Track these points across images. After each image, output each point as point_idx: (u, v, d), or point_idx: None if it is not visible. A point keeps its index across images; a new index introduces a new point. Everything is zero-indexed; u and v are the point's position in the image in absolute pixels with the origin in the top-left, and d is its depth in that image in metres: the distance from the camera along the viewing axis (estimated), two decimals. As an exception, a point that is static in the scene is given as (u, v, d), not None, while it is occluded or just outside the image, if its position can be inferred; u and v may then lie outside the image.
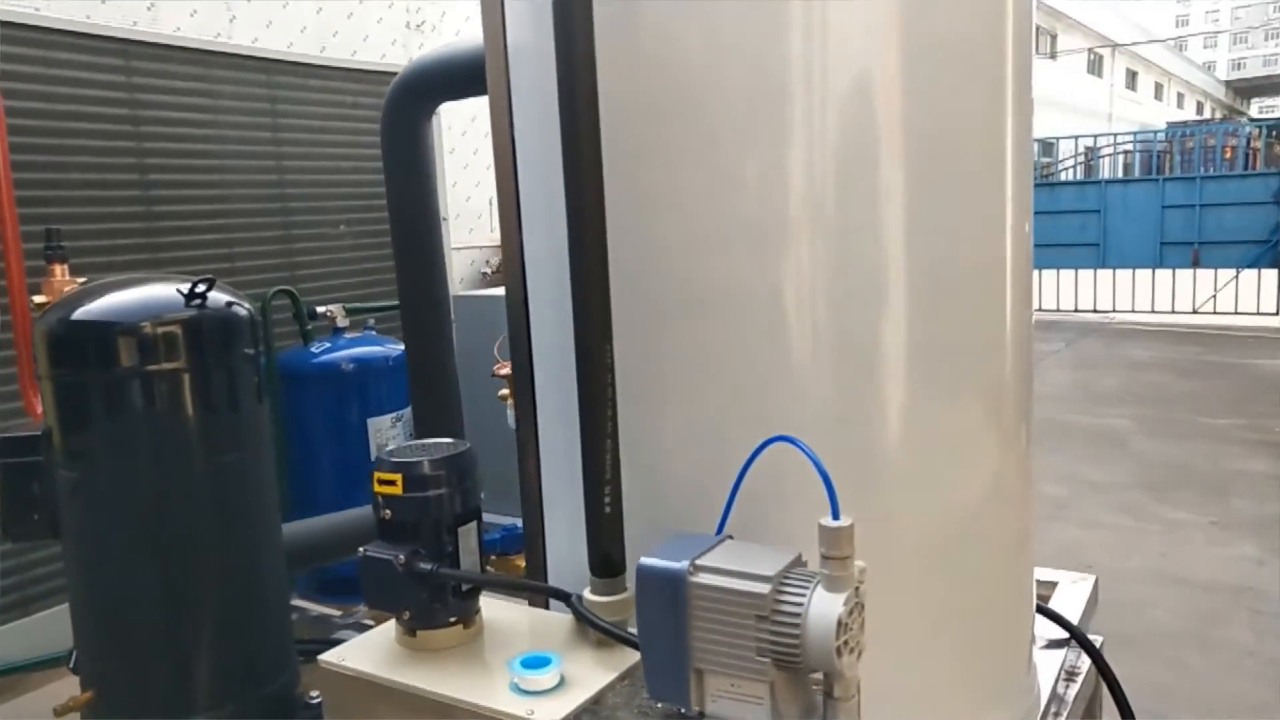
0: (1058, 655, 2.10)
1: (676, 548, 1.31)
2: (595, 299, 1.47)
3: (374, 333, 2.62)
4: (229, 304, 1.73)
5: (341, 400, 2.54)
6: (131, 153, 2.39)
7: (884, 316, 1.58)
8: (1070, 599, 2.35)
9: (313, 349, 2.63)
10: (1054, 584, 2.45)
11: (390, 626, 1.58)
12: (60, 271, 1.86)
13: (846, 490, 1.56)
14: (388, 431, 2.50)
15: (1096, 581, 2.46)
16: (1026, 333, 1.83)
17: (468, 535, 1.52)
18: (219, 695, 1.72)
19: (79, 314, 1.60)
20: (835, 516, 1.20)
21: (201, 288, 1.62)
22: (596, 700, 1.36)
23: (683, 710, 1.28)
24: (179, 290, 1.61)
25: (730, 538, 1.34)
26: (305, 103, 2.77)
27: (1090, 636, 2.32)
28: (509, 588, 1.59)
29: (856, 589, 1.21)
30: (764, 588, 1.20)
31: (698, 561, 1.26)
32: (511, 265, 1.72)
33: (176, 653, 1.67)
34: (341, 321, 2.62)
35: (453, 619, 1.52)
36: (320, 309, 2.62)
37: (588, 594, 1.52)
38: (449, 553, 1.50)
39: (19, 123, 2.16)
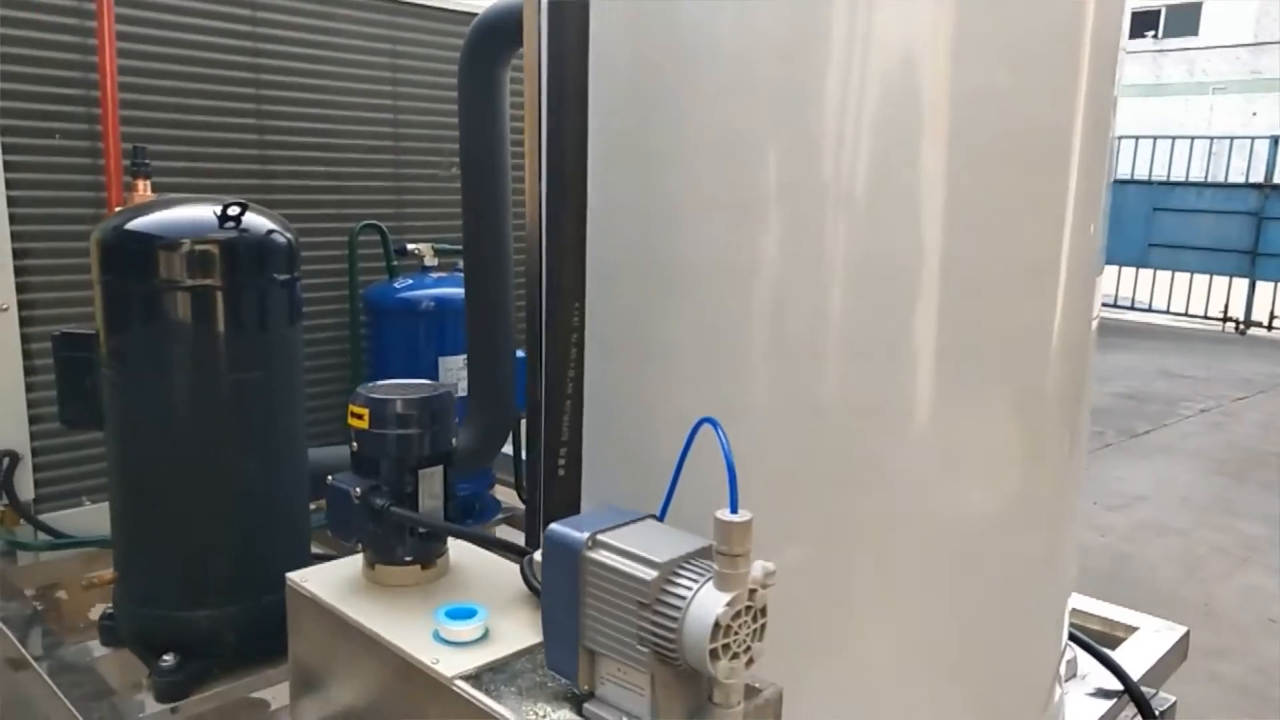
0: (1100, 707, 1.89)
1: (593, 519, 1.27)
2: (569, 255, 1.43)
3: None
4: (269, 231, 1.81)
5: (417, 336, 2.61)
6: (250, 84, 2.54)
7: (898, 307, 1.45)
8: (1143, 649, 2.10)
9: (396, 284, 2.71)
10: (1134, 629, 2.20)
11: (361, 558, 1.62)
12: (142, 187, 2.01)
13: (844, 487, 1.47)
14: (458, 371, 2.56)
15: (1187, 634, 2.18)
16: (1080, 340, 1.64)
17: (430, 479, 1.53)
18: (229, 593, 1.82)
19: (129, 225, 1.72)
20: (733, 510, 1.11)
21: (234, 211, 1.71)
22: (507, 661, 1.34)
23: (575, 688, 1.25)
24: (224, 212, 1.70)
25: (653, 517, 1.28)
26: (424, 45, 2.84)
27: (1162, 696, 2.08)
28: (461, 537, 1.59)
29: (752, 592, 1.13)
30: (649, 574, 1.14)
31: (598, 536, 1.20)
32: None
33: (192, 548, 1.79)
34: (430, 260, 2.69)
35: (409, 559, 1.54)
36: (410, 247, 2.70)
37: (538, 556, 1.50)
38: (409, 493, 1.52)
39: (147, 49, 2.34)
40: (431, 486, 1.53)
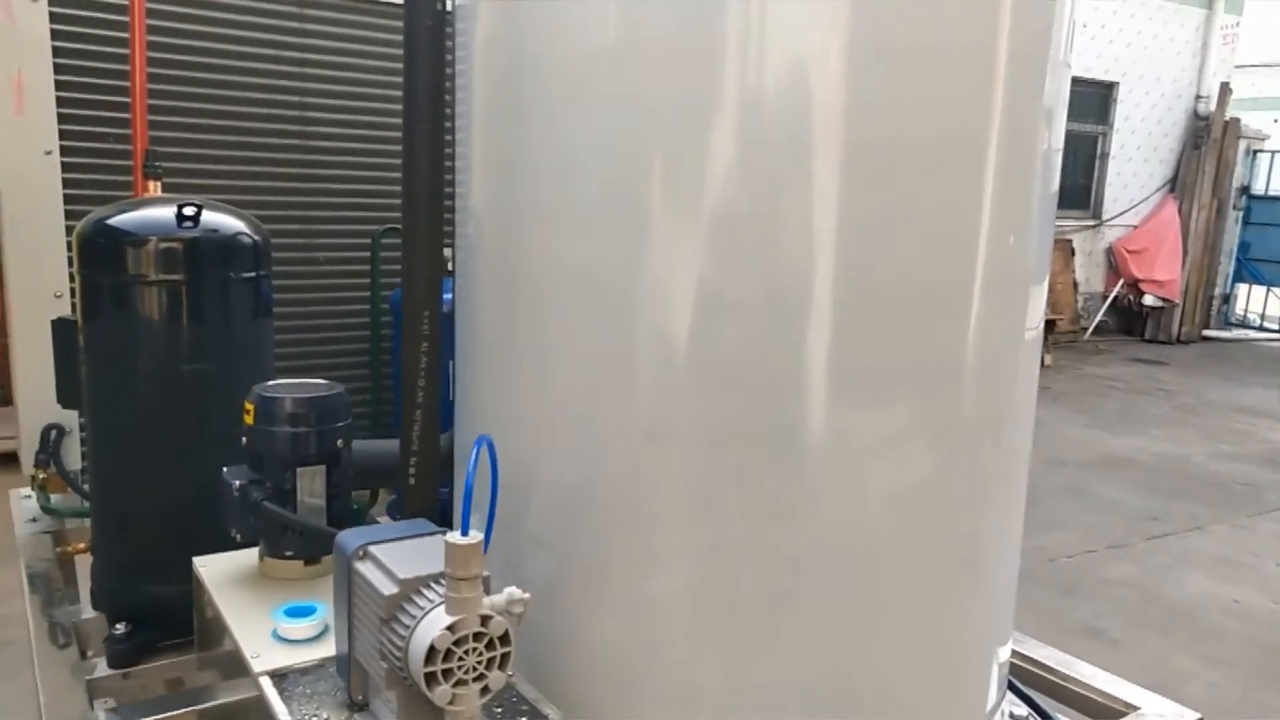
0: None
1: (381, 530, 1.27)
2: (418, 265, 1.43)
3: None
4: (235, 232, 1.91)
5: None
6: (295, 91, 2.68)
7: (784, 328, 1.34)
8: (1135, 733, 1.83)
9: (414, 287, 2.79)
10: (1135, 708, 1.92)
11: (260, 549, 1.68)
12: (152, 188, 2.18)
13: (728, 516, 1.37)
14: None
15: (1201, 725, 1.88)
16: (1004, 358, 1.47)
17: (310, 478, 1.57)
18: (177, 570, 1.89)
19: (106, 222, 1.87)
20: (463, 531, 1.08)
21: (189, 211, 1.82)
22: (324, 663, 1.35)
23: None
24: (180, 212, 1.82)
25: (443, 532, 1.25)
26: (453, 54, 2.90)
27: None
28: (310, 533, 1.58)
29: (485, 619, 1.09)
30: (390, 589, 1.13)
31: (369, 547, 1.20)
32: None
33: (144, 526, 1.91)
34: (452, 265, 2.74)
35: (289, 554, 1.59)
36: (438, 251, 2.76)
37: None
38: (287, 490, 1.56)
39: (196, 58, 2.52)
40: (312, 485, 1.57)
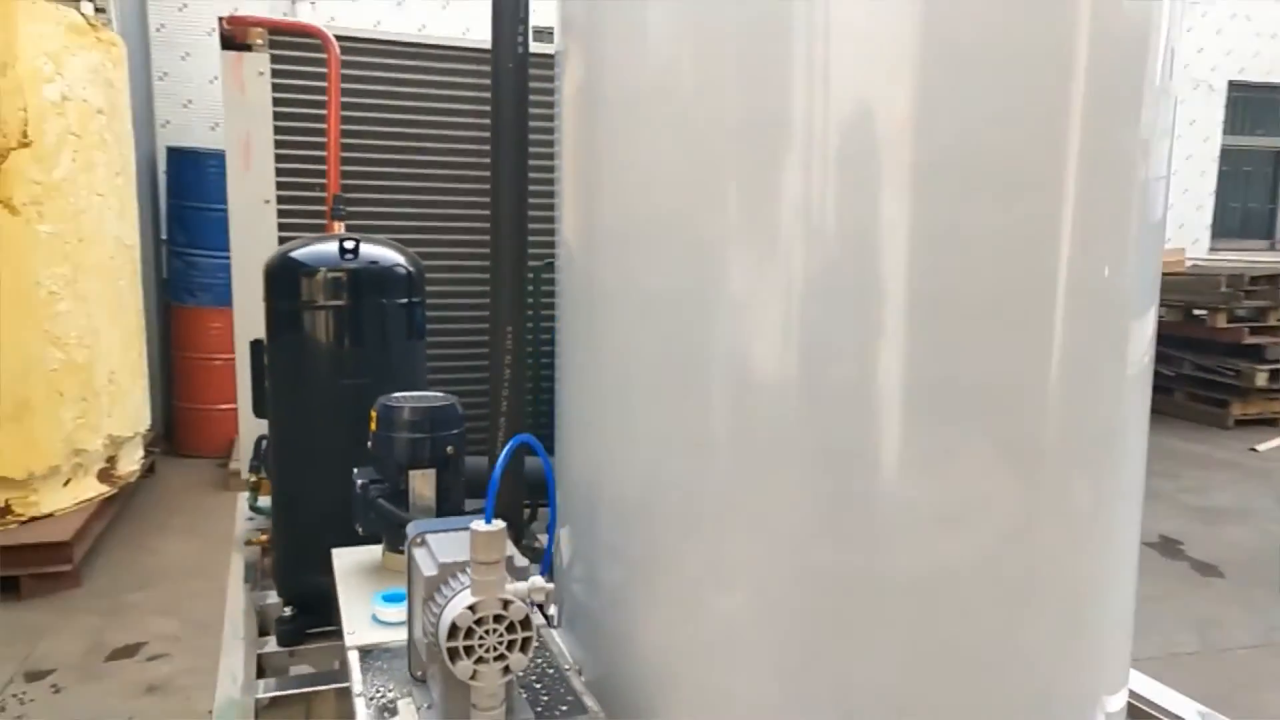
0: None
1: (443, 522, 1.40)
2: (505, 282, 1.57)
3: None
4: (392, 264, 2.15)
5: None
6: (433, 138, 2.92)
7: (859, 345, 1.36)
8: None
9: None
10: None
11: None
12: (336, 228, 2.47)
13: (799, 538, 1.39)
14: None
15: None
16: (1095, 389, 1.40)
17: (422, 480, 1.74)
18: (323, 561, 2.12)
19: (286, 256, 2.16)
20: (487, 520, 1.19)
21: (349, 245, 2.07)
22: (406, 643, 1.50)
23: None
24: (341, 246, 2.08)
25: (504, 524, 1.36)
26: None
27: None
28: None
29: (506, 603, 1.19)
30: (431, 571, 1.25)
31: (426, 535, 1.33)
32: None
33: (309, 525, 2.16)
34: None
35: (400, 548, 1.76)
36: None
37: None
38: (402, 490, 1.74)
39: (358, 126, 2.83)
40: (423, 487, 1.74)
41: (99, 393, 5.27)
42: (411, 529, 1.35)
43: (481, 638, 1.18)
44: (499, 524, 1.19)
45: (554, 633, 1.63)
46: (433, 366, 2.37)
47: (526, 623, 1.20)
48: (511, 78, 1.50)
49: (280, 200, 2.71)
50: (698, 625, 1.42)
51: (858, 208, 1.33)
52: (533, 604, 1.21)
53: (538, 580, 1.22)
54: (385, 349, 2.14)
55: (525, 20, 1.49)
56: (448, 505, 1.78)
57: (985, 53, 1.30)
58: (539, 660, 1.47)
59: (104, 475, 5.40)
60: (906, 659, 1.40)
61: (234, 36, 2.50)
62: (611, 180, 1.46)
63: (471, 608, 1.17)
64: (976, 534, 1.41)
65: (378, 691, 1.35)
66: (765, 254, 1.37)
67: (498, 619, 1.18)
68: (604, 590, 1.51)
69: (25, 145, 4.85)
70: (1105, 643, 1.56)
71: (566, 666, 1.45)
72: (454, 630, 1.17)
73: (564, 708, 1.34)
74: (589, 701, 1.36)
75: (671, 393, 1.41)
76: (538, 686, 1.39)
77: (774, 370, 1.37)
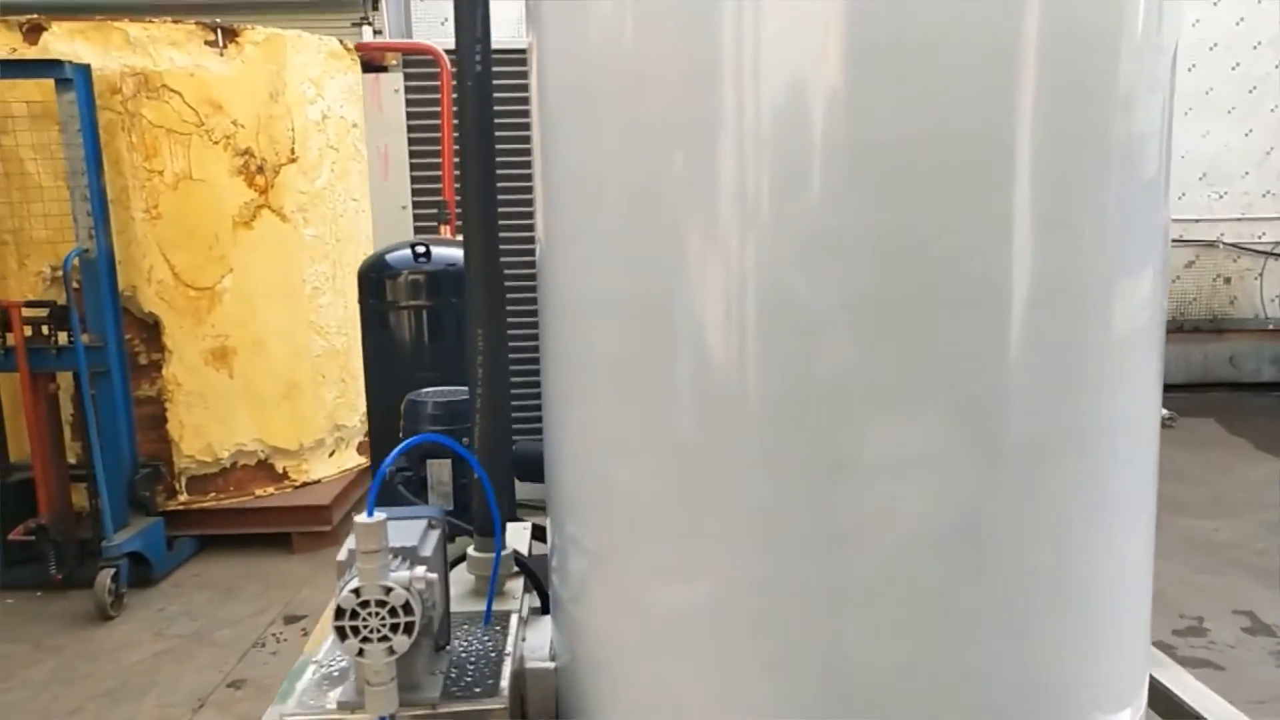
0: None
1: (395, 511, 1.52)
2: (475, 283, 1.66)
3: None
4: (466, 265, 2.31)
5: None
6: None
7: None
8: None
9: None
10: None
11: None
12: (444, 230, 2.66)
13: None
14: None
15: None
16: (1071, 370, 1.32)
17: (438, 469, 1.89)
18: None
19: (374, 259, 2.39)
20: (369, 513, 1.31)
21: (420, 250, 2.25)
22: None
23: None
24: (413, 250, 2.27)
25: (429, 519, 1.48)
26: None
27: None
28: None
29: (388, 589, 1.30)
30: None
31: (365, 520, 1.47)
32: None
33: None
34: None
35: (429, 532, 1.92)
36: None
37: (471, 550, 1.76)
38: (421, 478, 1.90)
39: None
40: (437, 475, 1.89)
41: (355, 375, 5.98)
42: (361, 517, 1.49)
43: (365, 620, 1.29)
44: (380, 516, 1.30)
45: (547, 619, 1.71)
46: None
47: (408, 608, 1.30)
48: (473, 94, 1.59)
49: (415, 205, 2.99)
50: (637, 621, 1.45)
51: (796, 203, 1.29)
52: (415, 591, 1.31)
53: (419, 570, 1.32)
54: (458, 344, 2.31)
55: (484, 40, 1.57)
56: (465, 493, 1.92)
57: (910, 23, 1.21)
58: (488, 641, 1.56)
59: (362, 448, 6.13)
60: (843, 670, 1.35)
61: (371, 59, 2.78)
62: (561, 180, 1.48)
63: (356, 591, 1.29)
64: (930, 540, 1.33)
65: (333, 661, 1.51)
66: (705, 259, 1.35)
67: (380, 604, 1.29)
68: (569, 581, 1.57)
69: (293, 160, 5.59)
70: (1099, 665, 1.41)
71: (507, 651, 1.53)
72: (340, 612, 1.29)
73: (478, 689, 1.43)
74: (504, 684, 1.44)
75: (620, 393, 1.44)
76: (470, 666, 1.49)
77: (716, 373, 1.37)
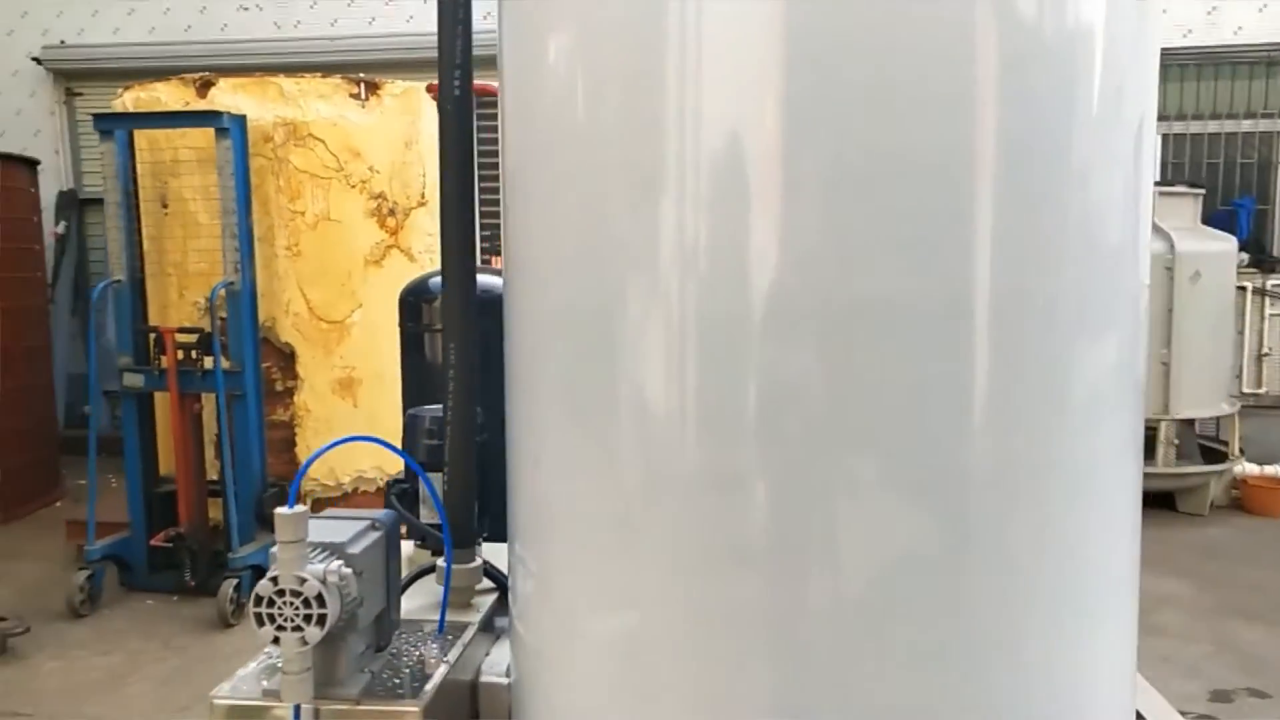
0: None
1: (348, 513, 1.59)
2: (451, 301, 1.72)
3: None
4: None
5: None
6: None
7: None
8: None
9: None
10: None
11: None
12: (496, 261, 2.74)
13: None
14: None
15: None
16: (1039, 402, 1.29)
17: (437, 483, 1.93)
18: None
19: (413, 285, 2.48)
20: (290, 505, 1.37)
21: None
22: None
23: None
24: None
25: (370, 522, 1.52)
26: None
27: None
28: (410, 525, 1.89)
29: (302, 580, 1.35)
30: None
31: (312, 520, 1.53)
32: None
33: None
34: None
35: (415, 543, 1.97)
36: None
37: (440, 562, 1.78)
38: (413, 492, 1.95)
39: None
40: (439, 489, 1.93)
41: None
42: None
43: (281, 609, 1.34)
44: (300, 509, 1.36)
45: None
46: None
47: (321, 599, 1.34)
48: (452, 117, 1.66)
49: (483, 239, 3.12)
50: (575, 645, 1.44)
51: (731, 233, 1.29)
52: (331, 584, 1.35)
53: (335, 564, 1.36)
54: (488, 369, 2.37)
55: (462, 65, 1.64)
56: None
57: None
58: (434, 649, 1.58)
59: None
60: (781, 706, 1.31)
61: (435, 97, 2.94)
62: (521, 206, 1.52)
63: (273, 580, 1.35)
64: (872, 571, 1.29)
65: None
66: (648, 284, 1.35)
67: (294, 593, 1.34)
68: (517, 601, 1.58)
69: (422, 204, 5.92)
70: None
71: (445, 659, 1.55)
72: (257, 599, 1.35)
73: (401, 692, 1.45)
74: (428, 688, 1.46)
75: (560, 413, 1.45)
76: (406, 671, 1.52)
77: (650, 393, 1.36)
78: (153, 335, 5.39)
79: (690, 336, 1.32)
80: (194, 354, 5.31)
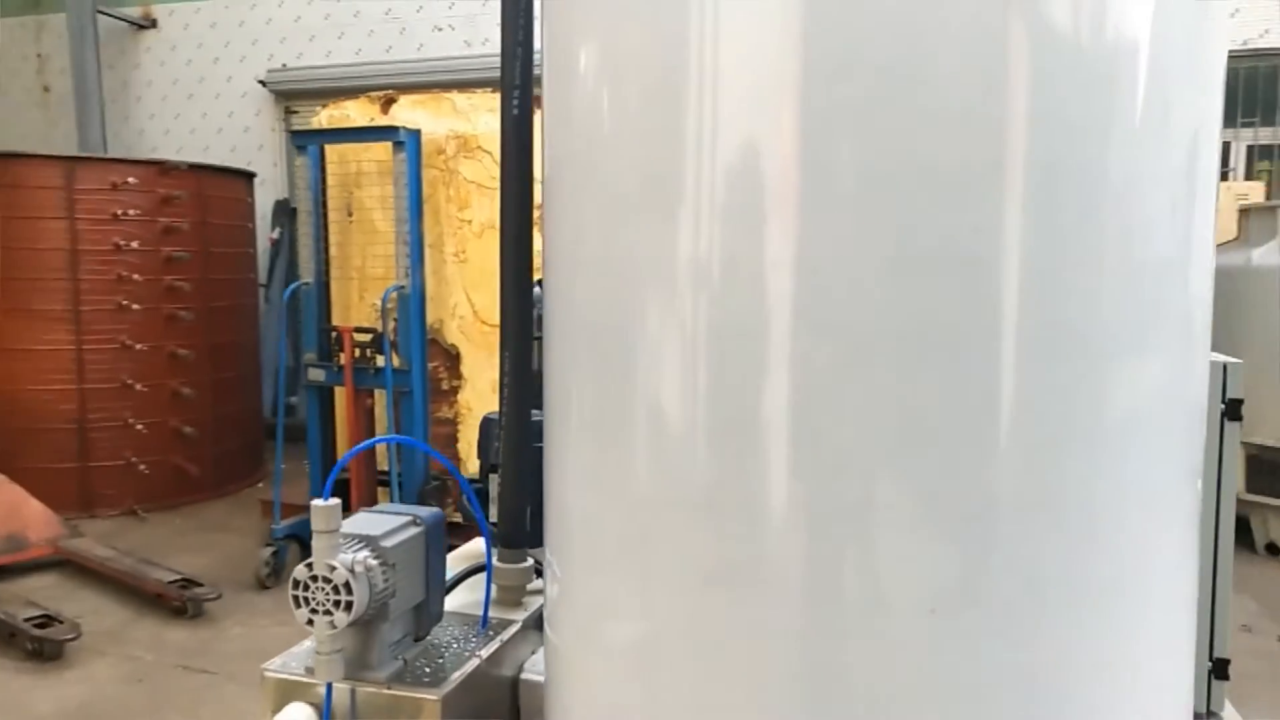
0: None
1: (396, 508, 1.69)
2: (506, 311, 1.80)
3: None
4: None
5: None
6: None
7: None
8: None
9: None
10: None
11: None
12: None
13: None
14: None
15: None
16: (1054, 432, 1.22)
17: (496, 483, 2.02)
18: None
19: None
20: (325, 498, 1.48)
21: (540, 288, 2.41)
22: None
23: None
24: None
25: (412, 519, 1.62)
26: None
27: None
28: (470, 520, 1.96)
29: (332, 566, 1.46)
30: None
31: (361, 511, 1.64)
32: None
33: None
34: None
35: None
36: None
37: (496, 560, 1.86)
38: (484, 490, 2.04)
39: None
40: (495, 488, 2.02)
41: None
42: (365, 509, 1.67)
43: (313, 593, 1.46)
44: (335, 501, 1.47)
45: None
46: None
47: (348, 587, 1.44)
48: (512, 136, 1.74)
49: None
50: (592, 655, 1.49)
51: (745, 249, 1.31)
52: (359, 573, 1.45)
53: (363, 555, 1.46)
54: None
55: (522, 85, 1.72)
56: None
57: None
58: (473, 645, 1.66)
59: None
60: None
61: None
62: (554, 223, 1.58)
63: (308, 566, 1.46)
64: (881, 603, 1.27)
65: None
66: (663, 297, 1.38)
67: (325, 580, 1.45)
68: (548, 604, 1.64)
69: (584, 212, 6.07)
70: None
71: (480, 654, 1.62)
72: (295, 583, 1.47)
73: (429, 679, 1.53)
74: (455, 676, 1.53)
75: (581, 428, 1.50)
76: (440, 661, 1.60)
77: (664, 412, 1.39)
78: (333, 334, 5.85)
79: (702, 351, 1.33)
80: (368, 352, 5.71)
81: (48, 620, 4.86)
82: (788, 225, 1.26)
